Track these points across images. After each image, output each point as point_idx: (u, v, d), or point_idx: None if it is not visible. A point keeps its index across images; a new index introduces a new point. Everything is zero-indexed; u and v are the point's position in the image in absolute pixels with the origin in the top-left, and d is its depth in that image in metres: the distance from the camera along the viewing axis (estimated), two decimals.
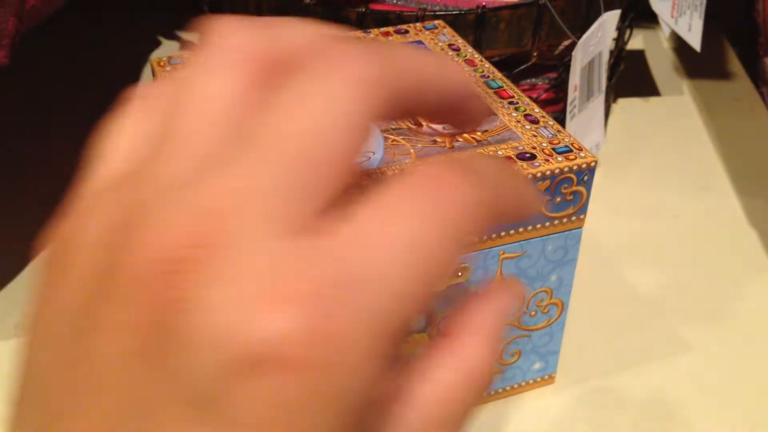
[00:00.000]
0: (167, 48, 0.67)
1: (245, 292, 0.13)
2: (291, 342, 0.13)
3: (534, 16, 0.44)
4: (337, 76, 0.15)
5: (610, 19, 0.47)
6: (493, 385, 0.35)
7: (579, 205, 0.31)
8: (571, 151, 0.30)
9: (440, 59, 0.18)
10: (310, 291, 0.13)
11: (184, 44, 0.68)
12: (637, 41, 0.69)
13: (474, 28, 0.44)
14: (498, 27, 0.44)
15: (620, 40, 0.54)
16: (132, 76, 0.63)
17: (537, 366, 0.35)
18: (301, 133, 0.15)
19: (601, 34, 0.47)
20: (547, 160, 0.29)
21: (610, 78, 0.54)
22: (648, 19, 0.61)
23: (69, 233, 0.16)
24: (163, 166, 0.16)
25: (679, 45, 0.68)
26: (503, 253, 0.31)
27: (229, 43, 0.17)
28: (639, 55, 0.67)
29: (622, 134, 0.57)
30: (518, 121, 0.32)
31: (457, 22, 0.43)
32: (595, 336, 0.40)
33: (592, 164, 0.30)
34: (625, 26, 0.53)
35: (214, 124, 0.16)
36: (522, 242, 0.31)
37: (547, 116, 0.32)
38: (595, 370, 0.38)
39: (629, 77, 0.62)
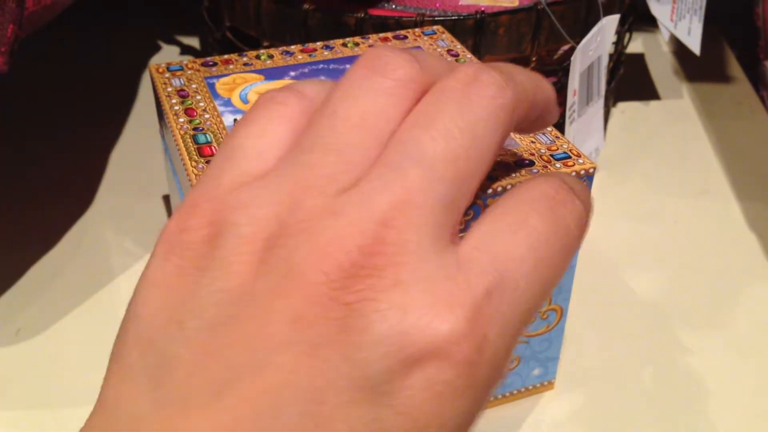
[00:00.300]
0: (167, 52, 0.67)
1: (417, 298, 0.16)
2: (454, 342, 0.15)
3: (533, 21, 0.44)
4: (482, 102, 0.18)
5: (609, 23, 0.47)
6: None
7: None
8: (569, 157, 0.30)
9: (540, 78, 0.21)
10: (467, 300, 0.16)
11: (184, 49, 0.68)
12: (636, 45, 0.69)
13: (473, 33, 0.44)
14: (497, 32, 0.44)
15: (620, 44, 0.54)
16: (131, 82, 0.63)
17: (536, 372, 0.35)
18: (455, 154, 0.17)
19: (600, 38, 0.47)
20: (546, 167, 0.29)
21: (609, 82, 0.54)
22: (648, 22, 0.61)
23: (218, 221, 0.17)
24: (324, 170, 0.17)
25: (679, 48, 0.68)
26: None
27: (395, 74, 0.19)
28: (639, 59, 0.67)
29: (622, 138, 0.57)
30: None
31: (456, 27, 0.43)
32: (595, 341, 0.40)
33: (591, 171, 0.30)
34: (624, 30, 0.53)
35: (374, 137, 0.18)
36: None
37: None
38: (595, 375, 0.38)
39: (629, 81, 0.62)
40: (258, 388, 0.15)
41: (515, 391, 0.36)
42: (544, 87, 0.21)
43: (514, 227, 0.17)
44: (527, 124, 0.21)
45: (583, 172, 0.30)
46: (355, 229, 0.16)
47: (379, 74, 0.18)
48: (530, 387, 0.36)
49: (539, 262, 0.17)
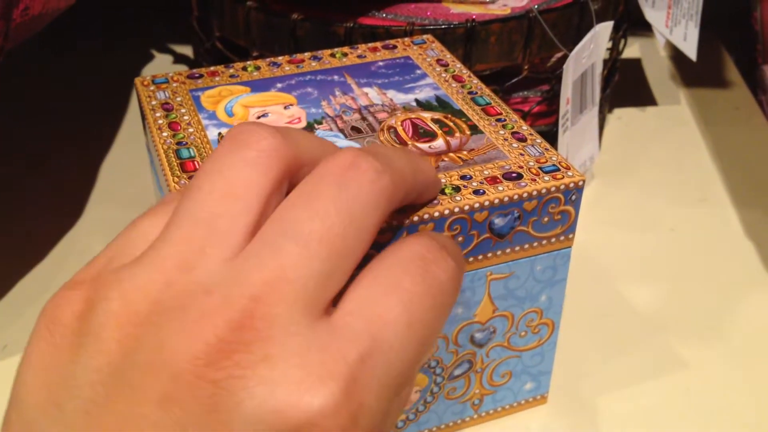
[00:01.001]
0: (160, 61, 0.67)
1: (287, 373, 0.15)
2: (329, 415, 0.15)
3: (525, 29, 0.44)
4: (360, 186, 0.18)
5: (602, 30, 0.47)
6: (483, 406, 0.34)
7: (567, 225, 0.30)
8: (558, 170, 0.29)
9: (419, 161, 0.22)
10: (341, 369, 0.16)
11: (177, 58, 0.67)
12: (633, 50, 0.68)
13: (464, 42, 0.43)
14: (488, 41, 0.43)
15: (614, 51, 0.53)
16: (123, 91, 0.62)
17: (528, 386, 0.35)
18: (332, 234, 0.18)
19: (594, 45, 0.47)
20: (534, 180, 0.29)
21: (604, 89, 0.53)
22: (644, 27, 0.61)
23: (92, 297, 0.17)
24: (194, 244, 0.17)
25: (676, 53, 0.67)
26: (491, 275, 0.30)
27: (258, 144, 0.19)
28: (635, 64, 0.66)
29: (618, 145, 0.56)
30: (505, 139, 0.32)
31: (446, 36, 0.43)
32: (589, 354, 0.39)
33: (580, 183, 0.29)
34: (619, 36, 0.53)
35: (243, 205, 0.18)
36: (510, 263, 0.30)
37: (535, 134, 0.32)
38: (589, 389, 0.37)
39: (625, 86, 0.61)
40: None
41: (507, 406, 0.35)
42: (424, 169, 0.22)
43: (388, 290, 0.18)
44: (408, 202, 0.22)
45: (572, 185, 0.29)
46: (224, 305, 0.16)
47: (243, 146, 0.19)
48: (522, 401, 0.35)
49: (413, 322, 0.17)
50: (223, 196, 0.18)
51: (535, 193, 0.29)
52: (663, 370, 0.38)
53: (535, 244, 0.30)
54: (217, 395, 0.15)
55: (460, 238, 0.28)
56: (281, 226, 0.17)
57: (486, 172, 0.29)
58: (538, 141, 0.31)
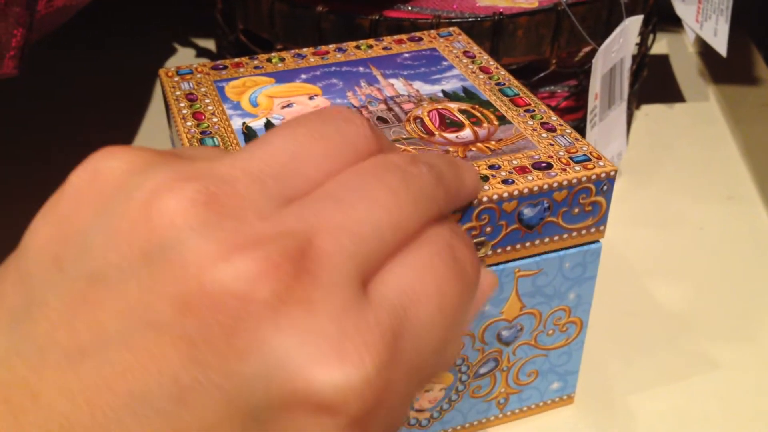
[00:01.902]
0: (182, 55, 0.67)
1: (323, 327, 0.14)
2: (353, 397, 0.14)
3: (553, 23, 0.43)
4: (422, 187, 0.18)
5: (632, 24, 0.46)
6: (509, 405, 0.34)
7: (598, 217, 0.29)
8: (589, 160, 0.29)
9: (469, 173, 0.21)
10: (376, 342, 0.15)
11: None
12: (661, 45, 0.67)
13: (491, 35, 0.42)
14: (515, 34, 0.43)
15: (643, 46, 0.52)
16: (146, 85, 0.62)
17: (555, 386, 0.34)
18: (396, 212, 0.17)
19: (623, 40, 0.46)
20: (564, 170, 0.28)
21: (632, 84, 0.52)
22: (672, 22, 0.60)
23: (140, 167, 0.16)
24: (271, 168, 0.16)
25: (705, 49, 0.66)
26: (518, 271, 0.30)
27: (358, 119, 0.18)
28: (663, 60, 0.65)
29: (646, 142, 0.55)
30: (534, 130, 0.31)
31: (473, 29, 0.42)
32: (616, 353, 0.38)
33: (612, 174, 0.29)
34: (648, 31, 0.52)
35: (331, 161, 0.17)
36: (538, 259, 0.30)
37: (564, 124, 0.31)
38: (616, 389, 0.36)
39: (653, 83, 0.60)
40: (120, 363, 0.13)
41: (533, 405, 0.34)
42: (467, 184, 0.21)
43: (422, 270, 0.17)
44: (446, 213, 0.21)
45: (603, 175, 0.28)
46: (279, 235, 0.15)
47: (347, 119, 0.18)
48: (548, 401, 0.35)
49: (444, 305, 0.17)
50: (316, 140, 0.17)
51: (565, 182, 0.28)
52: (691, 370, 0.37)
53: (565, 236, 0.29)
54: (242, 320, 0.14)
55: (488, 229, 0.28)
56: (356, 185, 0.16)
57: (515, 162, 0.29)
58: (568, 131, 0.31)
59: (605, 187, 0.29)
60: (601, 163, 0.29)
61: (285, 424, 0.14)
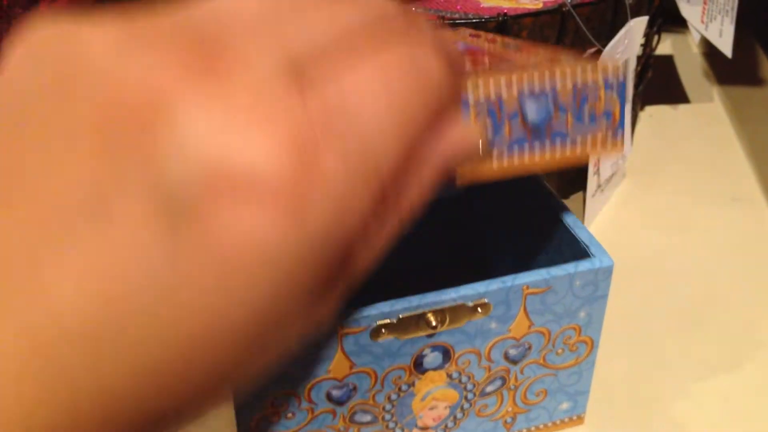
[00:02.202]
0: None
1: (242, 115, 0.13)
2: (279, 176, 0.13)
3: (557, 24, 0.42)
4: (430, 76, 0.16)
5: (637, 25, 0.45)
6: (516, 425, 0.32)
7: (612, 122, 0.25)
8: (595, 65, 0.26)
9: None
10: (301, 126, 0.13)
11: None
12: (665, 46, 0.66)
13: None
14: (520, 35, 0.41)
15: (648, 47, 0.51)
16: None
17: (564, 406, 0.33)
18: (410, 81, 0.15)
19: (628, 41, 0.44)
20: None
21: (637, 85, 0.51)
22: (677, 23, 0.59)
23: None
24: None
25: (710, 50, 0.65)
26: (527, 288, 0.28)
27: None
28: (668, 61, 0.64)
29: (650, 143, 0.54)
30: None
31: (477, 30, 0.41)
32: (627, 372, 0.37)
33: (619, 71, 0.25)
34: (652, 32, 0.51)
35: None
36: (547, 277, 0.28)
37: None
38: (627, 409, 0.35)
39: (657, 83, 0.59)
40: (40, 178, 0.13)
41: (541, 426, 0.33)
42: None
43: (363, 62, 0.15)
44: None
45: (610, 70, 0.24)
46: (187, 29, 0.14)
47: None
48: (557, 421, 0.33)
49: (388, 91, 0.15)
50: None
51: (569, 71, 0.24)
52: (703, 387, 0.36)
53: (578, 144, 0.25)
54: (153, 107, 0.13)
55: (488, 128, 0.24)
56: (324, 15, 0.15)
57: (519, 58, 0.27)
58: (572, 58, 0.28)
59: (614, 85, 0.25)
60: (606, 65, 0.25)
61: (212, 214, 0.13)
